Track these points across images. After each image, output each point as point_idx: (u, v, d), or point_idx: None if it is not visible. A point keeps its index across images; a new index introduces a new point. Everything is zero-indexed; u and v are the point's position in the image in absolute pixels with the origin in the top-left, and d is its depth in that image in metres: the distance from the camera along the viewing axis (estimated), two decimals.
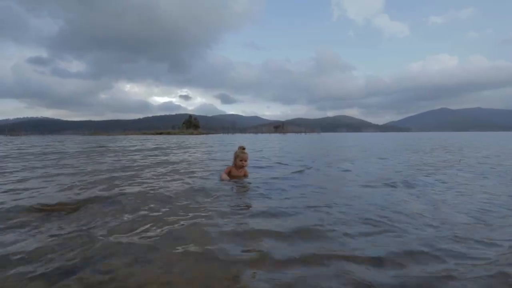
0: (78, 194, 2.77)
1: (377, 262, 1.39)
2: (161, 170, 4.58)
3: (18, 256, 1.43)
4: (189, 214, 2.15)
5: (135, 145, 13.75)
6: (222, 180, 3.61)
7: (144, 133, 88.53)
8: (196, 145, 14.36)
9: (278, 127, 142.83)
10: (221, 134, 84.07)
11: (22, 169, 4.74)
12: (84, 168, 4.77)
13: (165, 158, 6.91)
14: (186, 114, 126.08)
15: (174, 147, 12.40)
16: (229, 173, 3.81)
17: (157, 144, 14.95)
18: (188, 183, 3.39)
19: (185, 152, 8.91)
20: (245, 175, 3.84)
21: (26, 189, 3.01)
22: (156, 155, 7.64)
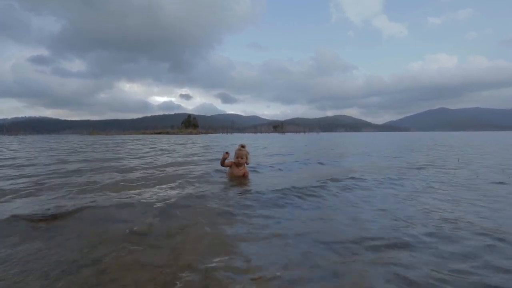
0: None
1: None
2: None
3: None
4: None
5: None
6: (222, 164, 3.81)
7: (143, 133, 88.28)
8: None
9: (277, 126, 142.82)
10: (220, 134, 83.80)
11: None
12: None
13: None
14: (185, 114, 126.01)
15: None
16: (230, 170, 3.85)
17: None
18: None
19: None
20: (245, 175, 3.83)
21: None
22: None
